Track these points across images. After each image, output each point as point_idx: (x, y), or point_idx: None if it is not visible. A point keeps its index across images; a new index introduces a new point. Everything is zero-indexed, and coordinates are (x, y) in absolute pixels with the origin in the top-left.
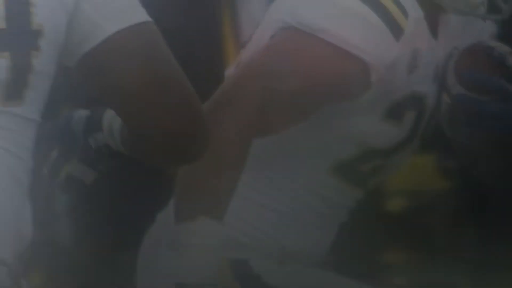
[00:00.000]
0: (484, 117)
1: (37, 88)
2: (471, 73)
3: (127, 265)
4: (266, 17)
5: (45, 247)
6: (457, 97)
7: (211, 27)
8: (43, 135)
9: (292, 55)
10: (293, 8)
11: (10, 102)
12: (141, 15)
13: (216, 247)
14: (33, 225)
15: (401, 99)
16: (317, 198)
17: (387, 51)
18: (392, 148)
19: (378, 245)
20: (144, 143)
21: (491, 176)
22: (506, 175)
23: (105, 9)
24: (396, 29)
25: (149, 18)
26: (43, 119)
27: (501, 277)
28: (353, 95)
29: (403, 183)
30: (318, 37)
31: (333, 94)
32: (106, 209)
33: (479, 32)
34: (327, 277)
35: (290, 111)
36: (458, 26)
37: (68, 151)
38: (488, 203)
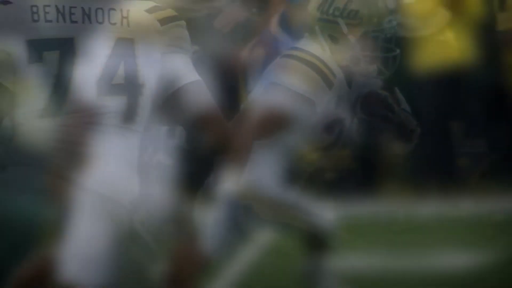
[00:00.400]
0: (375, 130)
1: (141, 114)
2: (369, 106)
3: (190, 208)
4: (262, 77)
5: (145, 199)
6: (361, 120)
7: (234, 83)
8: (144, 139)
9: (275, 98)
10: (275, 73)
11: (127, 122)
12: (195, 76)
13: (234, 197)
14: (139, 187)
15: (331, 120)
16: (288, 172)
17: (324, 96)
18: (327, 147)
19: (319, 195)
20: (198, 143)
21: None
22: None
23: (176, 72)
24: (329, 84)
25: (199, 78)
26: (144, 131)
27: (383, 207)
28: (307, 118)
29: (332, 164)
30: (289, 88)
31: (296, 117)
32: (178, 178)
33: (373, 85)
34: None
35: (274, 127)
36: (361, 82)
37: (158, 148)
38: (375, 172)
